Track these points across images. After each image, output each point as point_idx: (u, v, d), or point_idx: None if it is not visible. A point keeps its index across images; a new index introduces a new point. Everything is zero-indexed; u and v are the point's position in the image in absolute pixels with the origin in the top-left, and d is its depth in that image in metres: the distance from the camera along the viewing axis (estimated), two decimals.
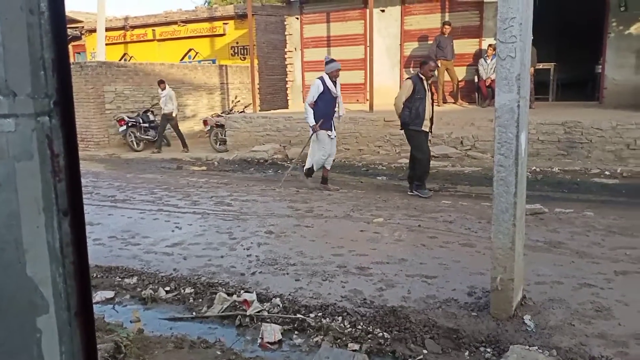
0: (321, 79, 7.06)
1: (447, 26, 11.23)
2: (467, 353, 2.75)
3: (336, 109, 7.19)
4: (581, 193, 6.84)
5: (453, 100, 11.82)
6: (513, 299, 2.99)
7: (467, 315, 3.05)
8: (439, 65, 11.28)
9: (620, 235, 4.56)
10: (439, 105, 11.58)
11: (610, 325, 2.90)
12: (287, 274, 3.86)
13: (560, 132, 8.71)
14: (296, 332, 3.11)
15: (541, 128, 8.82)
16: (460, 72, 11.86)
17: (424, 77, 6.73)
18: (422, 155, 6.73)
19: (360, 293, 3.45)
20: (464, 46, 11.77)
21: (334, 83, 7.04)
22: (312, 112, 7.00)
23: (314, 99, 6.98)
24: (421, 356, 2.75)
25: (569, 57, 13.13)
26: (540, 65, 11.70)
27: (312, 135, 7.17)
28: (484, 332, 2.86)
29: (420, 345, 2.84)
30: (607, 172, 7.72)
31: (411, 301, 3.29)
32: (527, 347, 2.67)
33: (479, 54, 11.54)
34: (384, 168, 9.07)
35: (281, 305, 3.36)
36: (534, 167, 8.09)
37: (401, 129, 6.96)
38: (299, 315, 3.22)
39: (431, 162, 6.94)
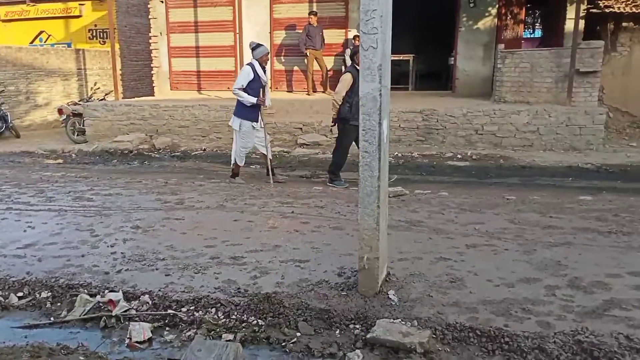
0: (251, 65, 6.70)
1: (313, 16, 11.46)
2: (337, 331, 2.87)
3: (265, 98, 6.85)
4: (437, 175, 7.45)
5: (323, 89, 12.12)
6: (379, 276, 3.17)
7: (338, 295, 3.17)
8: (309, 54, 11.50)
9: (471, 212, 5.04)
10: (309, 94, 11.83)
11: (463, 294, 3.19)
12: (157, 269, 3.71)
13: (419, 120, 9.37)
14: (167, 329, 3.01)
15: (402, 116, 9.40)
16: (329, 62, 12.19)
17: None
18: (345, 150, 6.84)
19: (234, 283, 3.42)
20: (332, 36, 12.10)
21: (264, 69, 6.74)
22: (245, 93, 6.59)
23: (243, 87, 6.61)
24: (295, 339, 2.81)
25: (426, 49, 14.10)
26: (401, 57, 12.44)
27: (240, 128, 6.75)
28: (353, 310, 2.99)
29: (294, 328, 2.90)
30: (459, 156, 8.48)
31: (285, 286, 3.34)
32: (392, 320, 2.85)
33: (346, 44, 11.95)
34: (257, 157, 9.05)
35: (150, 302, 3.22)
36: (396, 153, 8.63)
37: (333, 124, 6.83)
38: (170, 311, 3.11)
39: (304, 150, 7.08)
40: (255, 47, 6.74)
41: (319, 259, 3.79)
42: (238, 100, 6.70)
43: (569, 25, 10.55)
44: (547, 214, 4.90)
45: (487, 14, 11.60)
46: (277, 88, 12.74)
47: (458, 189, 6.34)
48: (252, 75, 6.60)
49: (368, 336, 2.73)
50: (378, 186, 3.04)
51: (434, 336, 2.74)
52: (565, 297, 3.13)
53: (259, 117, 6.80)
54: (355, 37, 11.14)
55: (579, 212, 5.02)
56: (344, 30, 12.15)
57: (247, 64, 6.79)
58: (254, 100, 6.58)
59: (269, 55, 6.89)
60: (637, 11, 10.41)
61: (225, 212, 5.14)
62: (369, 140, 3.00)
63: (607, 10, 10.53)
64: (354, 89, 6.36)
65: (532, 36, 14.52)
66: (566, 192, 6.33)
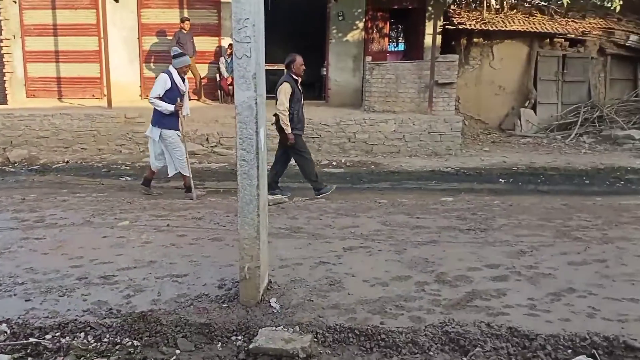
0: (168, 73, 6.36)
1: (185, 22, 11.18)
2: (219, 345, 2.81)
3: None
4: None
5: (197, 98, 11.85)
6: (260, 285, 3.16)
7: (219, 308, 3.11)
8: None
9: (347, 216, 5.24)
10: None
11: (342, 296, 3.30)
12: (15, 294, 3.35)
13: None
14: (30, 359, 2.73)
15: None
16: (203, 70, 11.96)
17: (297, 77, 6.42)
18: (308, 156, 6.68)
19: (105, 304, 3.20)
20: (205, 44, 11.90)
21: (182, 79, 6.37)
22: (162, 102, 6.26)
23: (160, 96, 6.26)
24: (174, 357, 2.70)
25: None
26: (276, 67, 12.58)
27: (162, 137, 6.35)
28: (235, 321, 2.95)
29: (173, 346, 2.78)
30: (334, 163, 8.78)
31: (162, 303, 3.20)
32: (274, 327, 2.86)
33: (219, 52, 11.81)
34: (128, 168, 8.60)
35: (9, 332, 2.90)
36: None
37: (292, 137, 6.51)
38: (32, 340, 2.82)
39: None
40: (177, 55, 6.52)
41: (198, 273, 3.68)
42: (155, 109, 6.35)
43: (428, 39, 11.44)
44: (415, 215, 5.25)
45: (355, 27, 12.18)
46: (147, 96, 12.17)
47: (334, 195, 6.55)
48: (169, 84, 6.31)
49: (250, 346, 2.71)
50: (257, 195, 3.03)
51: (315, 340, 2.79)
52: (434, 292, 3.37)
53: (180, 127, 6.50)
54: (229, 45, 11.06)
55: (442, 212, 5.44)
56: (217, 38, 12.01)
57: (164, 72, 6.48)
58: (171, 107, 6.27)
59: (189, 68, 6.68)
60: (485, 28, 11.59)
61: (93, 229, 4.80)
62: (247, 149, 2.99)
63: (460, 27, 11.60)
64: (294, 99, 6.35)
65: (396, 49, 15.51)
66: (430, 194, 6.84)
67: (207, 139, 9.48)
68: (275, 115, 6.47)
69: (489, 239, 4.47)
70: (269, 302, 3.16)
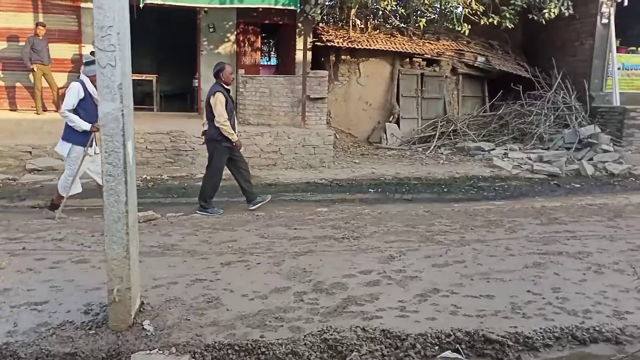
0: (81, 82, 5.78)
1: (40, 27, 10.32)
2: None
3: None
4: (189, 197, 7.42)
5: (55, 109, 10.92)
6: (131, 307, 2.98)
7: (85, 335, 2.88)
8: (35, 69, 10.30)
9: (224, 231, 5.15)
10: (38, 114, 10.55)
11: (220, 313, 3.23)
12: None
13: (167, 141, 9.21)
14: None
15: (149, 137, 9.11)
16: (61, 79, 11.07)
17: (227, 86, 6.18)
18: (220, 173, 6.45)
19: None
20: (63, 51, 11.06)
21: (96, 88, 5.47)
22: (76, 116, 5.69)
23: (74, 106, 5.71)
24: None
25: (170, 70, 14.01)
26: (144, 77, 12.09)
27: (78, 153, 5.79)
28: (104, 348, 2.75)
29: None
30: None
31: (19, 334, 2.88)
32: (148, 351, 2.72)
33: (81, 60, 11.02)
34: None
35: None
36: (145, 175, 8.30)
37: (203, 144, 6.26)
38: None
39: (36, 176, 6.15)
40: (89, 62, 5.91)
41: (60, 299, 3.38)
42: (67, 122, 5.74)
43: (299, 55, 11.74)
44: (292, 227, 5.33)
45: (226, 40, 12.12)
46: None
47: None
48: (82, 94, 5.76)
49: None
50: (126, 211, 2.87)
51: (193, 359, 2.70)
52: (312, 301, 3.44)
53: (94, 142, 5.91)
54: (91, 52, 10.37)
55: (318, 222, 5.58)
56: (77, 45, 11.22)
57: (76, 81, 5.89)
58: (87, 126, 5.72)
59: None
60: (351, 46, 12.19)
61: None
62: (113, 163, 2.83)
63: (329, 44, 12.07)
64: (227, 108, 6.18)
65: (269, 63, 15.72)
66: (307, 206, 6.99)
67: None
68: (204, 132, 6.38)
69: (361, 246, 4.67)
70: (142, 325, 2.99)
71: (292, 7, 10.14)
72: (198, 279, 3.78)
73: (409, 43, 12.94)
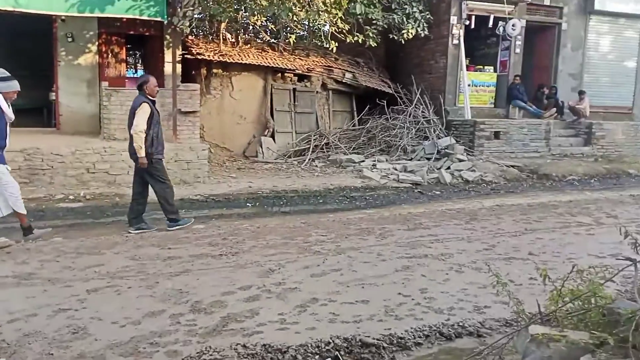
0: None
1: None
2: None
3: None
4: (48, 220, 6.78)
5: None
6: None
7: None
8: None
9: (89, 255, 4.79)
10: None
11: (87, 343, 3.00)
12: None
13: (21, 160, 8.36)
14: None
15: None
16: None
17: (152, 98, 5.88)
18: (170, 183, 6.33)
19: None
20: None
21: (9, 105, 5.37)
22: None
23: None
24: None
25: (22, 83, 12.75)
26: None
27: None
28: None
29: None
30: (71, 197, 7.95)
31: None
32: None
33: None
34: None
35: None
36: None
37: (147, 161, 5.96)
38: None
39: None
40: (4, 78, 5.80)
41: None
42: None
43: (168, 67, 11.37)
44: (166, 246, 5.12)
45: (87, 50, 11.37)
46: None
47: (73, 232, 5.94)
48: None
49: None
50: None
51: None
52: (189, 322, 3.32)
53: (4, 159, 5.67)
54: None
55: (194, 240, 5.43)
56: None
57: None
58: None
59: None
60: (223, 60, 12.10)
61: None
62: None
63: (199, 57, 11.86)
64: (153, 121, 5.99)
65: (135, 75, 15.01)
66: None
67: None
68: (131, 139, 6.03)
69: (240, 262, 4.62)
70: None
71: (159, 19, 9.80)
72: (61, 309, 3.47)
73: (280, 58, 13.16)
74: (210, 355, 2.89)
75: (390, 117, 13.23)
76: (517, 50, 13.78)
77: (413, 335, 3.22)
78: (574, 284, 2.87)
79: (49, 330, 3.13)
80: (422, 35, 12.90)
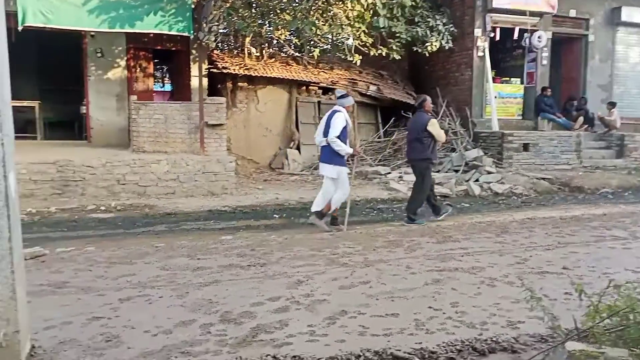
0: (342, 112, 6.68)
1: None
2: None
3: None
4: (80, 230, 6.93)
5: None
6: (21, 352, 2.70)
7: None
8: None
9: (121, 265, 4.86)
10: None
11: (120, 352, 3.02)
12: None
13: (53, 171, 8.57)
14: None
15: (32, 167, 8.42)
16: None
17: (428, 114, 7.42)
18: (429, 189, 7.48)
19: None
20: None
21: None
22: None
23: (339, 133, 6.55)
24: None
25: (54, 97, 13.14)
26: (25, 103, 11.24)
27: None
28: None
29: None
30: (102, 207, 8.10)
31: None
32: None
33: None
34: None
35: None
36: (29, 209, 7.64)
37: (409, 164, 7.49)
38: None
39: None
40: (344, 95, 6.93)
41: None
42: (332, 147, 6.64)
43: (195, 81, 11.57)
44: (195, 257, 5.16)
45: (116, 65, 11.66)
46: None
47: (105, 242, 6.03)
48: (344, 123, 6.61)
49: None
50: (10, 248, 2.63)
51: None
52: (219, 332, 3.33)
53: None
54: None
55: (223, 251, 5.46)
56: None
57: (339, 111, 6.68)
58: (350, 150, 6.77)
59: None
60: (248, 73, 12.25)
61: None
62: None
63: (225, 71, 12.04)
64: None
65: (163, 89, 15.31)
66: (210, 234, 6.81)
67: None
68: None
69: (268, 273, 4.63)
70: None
71: (186, 34, 10.00)
72: (95, 317, 3.52)
73: (304, 72, 13.27)
74: None
75: None
76: (544, 62, 13.64)
77: (445, 350, 3.16)
78: (611, 300, 2.80)
79: (84, 338, 3.18)
80: (447, 47, 12.86)
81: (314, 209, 6.90)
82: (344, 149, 6.63)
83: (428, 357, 3.10)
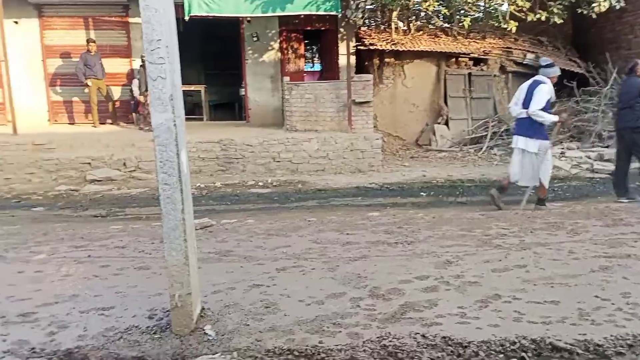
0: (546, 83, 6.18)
1: (91, 43, 10.75)
2: None
3: None
4: (242, 203, 7.53)
5: (111, 121, 11.36)
6: (193, 312, 3.04)
7: (151, 339, 2.95)
8: (90, 84, 10.73)
9: (277, 237, 5.19)
10: (95, 127, 10.99)
11: (278, 318, 3.24)
12: None
13: (218, 150, 9.40)
14: None
15: (200, 146, 9.32)
16: (116, 92, 11.51)
17: None
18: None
19: (26, 343, 2.93)
20: (116, 65, 11.49)
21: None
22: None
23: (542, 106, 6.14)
24: None
25: (216, 80, 14.32)
26: (192, 87, 12.41)
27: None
28: (169, 352, 2.81)
29: None
30: (260, 183, 8.71)
31: (89, 338, 2.98)
32: (212, 355, 2.76)
33: (132, 74, 11.42)
34: (40, 197, 8.04)
35: None
36: (198, 184, 8.50)
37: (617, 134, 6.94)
38: None
39: (96, 187, 6.25)
40: (549, 64, 6.38)
41: (126, 304, 3.48)
42: (533, 121, 6.26)
43: (343, 60, 11.74)
44: (344, 232, 5.30)
45: (270, 48, 12.27)
46: (56, 120, 11.56)
47: (263, 215, 6.49)
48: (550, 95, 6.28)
49: None
50: (183, 219, 2.93)
51: None
52: (368, 307, 3.40)
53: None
54: (141, 65, 10.68)
55: (370, 227, 5.53)
56: (128, 60, 11.63)
57: (542, 82, 6.22)
58: (555, 118, 6.38)
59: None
60: (395, 49, 12.10)
61: (7, 264, 4.42)
62: (169, 172, 2.89)
63: (372, 48, 12.02)
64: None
65: (312, 69, 15.79)
66: (357, 211, 6.95)
67: (124, 164, 9.08)
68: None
69: (416, 251, 4.59)
70: (204, 330, 3.05)
71: (334, 13, 10.16)
72: (255, 284, 3.81)
73: (454, 43, 12.72)
74: (390, 341, 2.92)
75: (581, 100, 11.95)
76: None
77: (614, 344, 2.87)
78: None
79: (245, 303, 3.46)
80: (617, 7, 11.27)
81: (522, 183, 6.71)
82: (548, 118, 6.16)
83: (593, 351, 2.85)
